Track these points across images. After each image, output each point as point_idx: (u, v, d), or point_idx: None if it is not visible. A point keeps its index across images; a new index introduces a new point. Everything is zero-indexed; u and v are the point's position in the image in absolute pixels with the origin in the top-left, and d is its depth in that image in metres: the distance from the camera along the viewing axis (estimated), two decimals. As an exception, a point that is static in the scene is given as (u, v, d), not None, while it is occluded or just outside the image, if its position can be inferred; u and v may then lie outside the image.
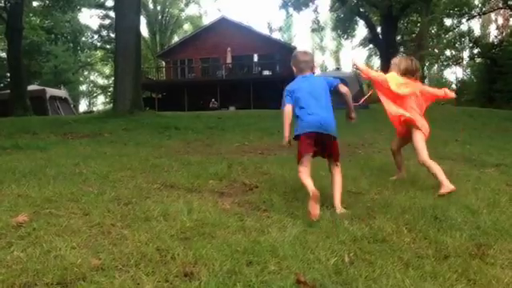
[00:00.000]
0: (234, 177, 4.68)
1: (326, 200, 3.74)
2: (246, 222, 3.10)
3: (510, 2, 31.24)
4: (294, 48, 31.46)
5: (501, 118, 14.74)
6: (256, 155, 6.40)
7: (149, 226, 2.97)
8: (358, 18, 31.17)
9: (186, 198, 3.76)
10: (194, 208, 3.37)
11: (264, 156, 6.32)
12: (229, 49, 27.78)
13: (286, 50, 30.29)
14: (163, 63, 34.79)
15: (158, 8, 48.64)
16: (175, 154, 6.45)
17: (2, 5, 21.05)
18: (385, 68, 29.95)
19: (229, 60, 28.67)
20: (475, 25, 41.11)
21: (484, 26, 42.83)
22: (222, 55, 28.79)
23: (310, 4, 28.97)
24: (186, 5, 49.96)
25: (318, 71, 35.43)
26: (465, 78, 40.43)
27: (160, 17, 48.50)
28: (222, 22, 30.53)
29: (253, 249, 2.55)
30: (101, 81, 59.99)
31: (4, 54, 31.63)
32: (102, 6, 39.75)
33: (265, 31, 43.62)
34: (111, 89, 40.15)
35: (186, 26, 53.49)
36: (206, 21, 44.30)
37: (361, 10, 29.68)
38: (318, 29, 36.44)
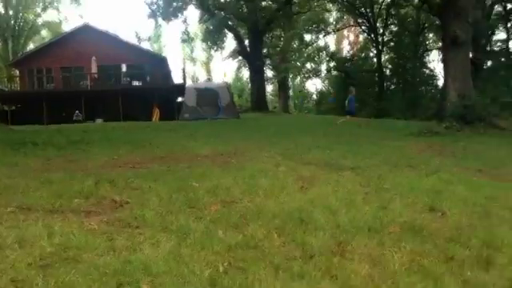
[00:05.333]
0: (101, 194, 4.39)
1: (202, 210, 3.74)
2: (116, 242, 2.93)
3: (359, 20, 35.25)
4: (165, 58, 31.06)
5: (354, 125, 16.46)
6: (126, 170, 6.11)
7: (1, 255, 2.62)
8: (227, 31, 32.13)
9: (46, 220, 3.41)
10: (56, 231, 3.08)
11: (135, 170, 6.07)
12: (94, 58, 26.15)
13: (157, 60, 29.74)
14: (17, 72, 31.33)
15: (11, 12, 43.71)
16: (33, 172, 5.82)
17: None
18: (254, 79, 31.25)
19: (94, 70, 26.97)
20: (331, 40, 45.40)
21: (338, 42, 47.60)
22: (86, 64, 26.97)
23: (179, 15, 29.01)
24: (44, 9, 45.79)
25: (190, 82, 35.46)
26: (323, 88, 44.33)
27: (13, 22, 43.62)
28: (86, 30, 28.65)
29: (124, 269, 2.42)
30: None
31: None
32: None
33: (133, 40, 42.19)
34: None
35: (44, 33, 49.02)
36: (67, 27, 41.24)
37: (229, 22, 30.67)
38: (188, 40, 36.60)
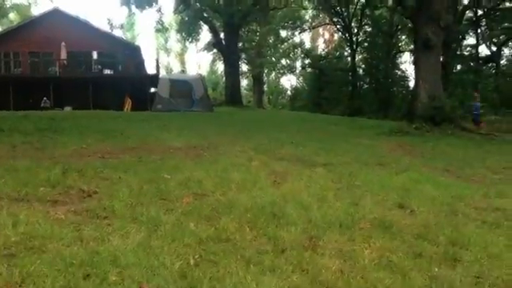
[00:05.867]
0: (69, 183, 4.26)
1: (173, 202, 3.69)
2: (84, 232, 2.85)
3: (334, 19, 35.58)
4: (138, 47, 30.47)
5: (327, 123, 16.64)
6: (96, 159, 5.96)
7: (-39, 245, 2.51)
8: (202, 23, 31.80)
9: (11, 209, 3.28)
10: (21, 220, 2.96)
11: (105, 160, 5.93)
12: (63, 43, 25.35)
13: (129, 49, 29.12)
14: (-18, 56, 30.09)
15: (-24, -6, 41.90)
16: (-3, 159, 5.60)
17: None
18: (229, 72, 31.09)
19: (63, 56, 26.16)
20: (306, 38, 45.64)
21: (313, 40, 47.94)
22: (56, 50, 26.15)
23: (154, 4, 28.45)
24: (12, -9, 44.13)
25: (164, 73, 34.90)
26: (298, 85, 44.58)
27: (-21, 4, 41.85)
28: (56, 14, 27.72)
29: (91, 260, 2.36)
30: None
31: None
32: None
33: (105, 28, 41.15)
34: None
35: (12, 16, 47.28)
36: (36, 11, 39.87)
37: (205, 14, 30.35)
38: (162, 30, 36.03)
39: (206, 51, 39.00)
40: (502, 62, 31.29)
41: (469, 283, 2.47)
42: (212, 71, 53.11)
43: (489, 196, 4.79)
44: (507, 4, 28.11)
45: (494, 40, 30.50)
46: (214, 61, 45.32)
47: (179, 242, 2.76)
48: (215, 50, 36.92)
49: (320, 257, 2.72)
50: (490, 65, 31.22)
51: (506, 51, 31.36)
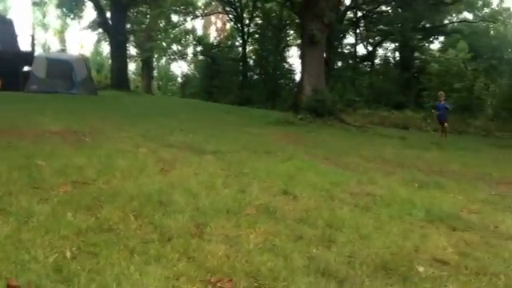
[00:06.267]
0: None
1: (48, 191, 3.38)
2: None
3: (227, 8, 35.74)
4: (10, 21, 27.24)
5: (218, 111, 16.76)
6: (-46, 143, 5.22)
7: None
8: (86, -1, 29.58)
9: None
10: None
11: (-34, 144, 5.22)
12: None
13: (0, 22, 25.91)
14: None
15: None
16: None
17: None
18: (116, 55, 29.36)
19: None
20: (199, 25, 45.11)
21: (206, 27, 47.63)
22: None
23: (30, -27, 25.68)
24: None
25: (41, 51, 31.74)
26: (189, 72, 44.04)
27: None
28: None
29: None
30: None
31: None
32: None
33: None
34: None
35: None
36: None
37: (89, -10, 28.26)
38: (39, 3, 32.70)
39: (90, 30, 36.34)
40: (376, 61, 34.51)
41: (342, 262, 2.68)
42: (97, 52, 49.72)
43: (362, 182, 5.25)
44: (383, 8, 31.06)
45: (370, 40, 33.49)
46: (99, 41, 42.42)
47: (54, 234, 2.54)
48: (100, 30, 34.60)
49: (206, 243, 2.72)
50: (365, 63, 34.22)
51: (380, 51, 34.67)
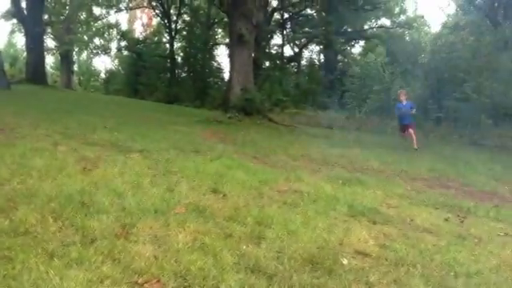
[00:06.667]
0: None
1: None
2: None
3: (153, 3, 34.80)
4: None
5: (144, 108, 16.28)
6: None
7: None
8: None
9: None
10: None
11: None
12: None
13: None
14: None
15: None
16: None
17: None
18: (32, 47, 27.42)
19: None
20: (123, 19, 43.42)
21: (130, 22, 45.97)
22: None
23: None
24: None
25: None
26: (113, 68, 42.25)
27: None
28: None
29: None
30: None
31: None
32: None
33: None
34: None
35: None
36: None
37: (2, -23, 26.06)
38: None
39: (3, 20, 33.56)
40: (302, 62, 35.60)
41: (271, 257, 2.72)
42: (10, 44, 46.06)
43: (289, 180, 5.38)
44: (308, 11, 32.08)
45: (296, 42, 34.44)
46: (12, 32, 39.30)
47: (-41, 240, 2.32)
48: (15, 21, 32.07)
49: (133, 244, 2.63)
50: (292, 64, 35.14)
51: (306, 53, 35.81)
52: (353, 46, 33.92)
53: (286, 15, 32.81)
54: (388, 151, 10.35)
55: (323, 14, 30.49)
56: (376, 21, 33.32)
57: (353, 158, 8.57)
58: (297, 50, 34.76)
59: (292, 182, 5.25)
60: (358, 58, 29.71)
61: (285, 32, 33.65)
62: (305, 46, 34.46)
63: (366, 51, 28.68)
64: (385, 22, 33.21)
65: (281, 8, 31.17)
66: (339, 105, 23.88)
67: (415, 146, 10.82)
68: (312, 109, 24.20)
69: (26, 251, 2.28)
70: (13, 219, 2.72)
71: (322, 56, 34.77)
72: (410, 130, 11.08)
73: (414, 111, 11.39)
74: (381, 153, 9.81)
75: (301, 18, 32.61)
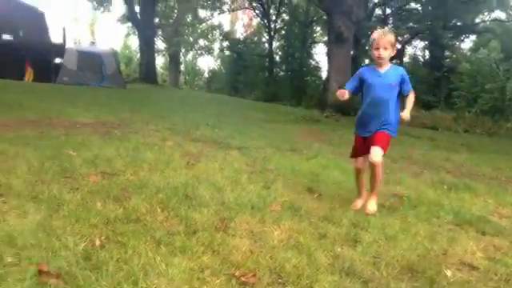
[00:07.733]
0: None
1: (78, 181, 3.47)
2: (-26, 211, 2.58)
3: (254, 4, 35.74)
4: (42, 13, 27.92)
5: (243, 106, 16.80)
6: (-10, 132, 5.41)
7: None
8: (117, -7, 30.12)
9: None
10: None
11: (0, 134, 5.40)
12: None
13: (32, 13, 26.49)
14: None
15: None
16: None
17: None
18: (144, 48, 29.69)
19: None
20: (225, 20, 45.31)
21: (232, 23, 47.74)
22: None
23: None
24: None
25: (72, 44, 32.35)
26: (215, 67, 44.30)
27: None
28: None
29: (-18, 242, 2.14)
30: None
31: None
32: None
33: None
34: None
35: None
36: None
37: (119, -16, 28.71)
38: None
39: (119, 23, 37.01)
40: (405, 59, 33.85)
41: (367, 262, 2.65)
42: (125, 46, 50.56)
43: (388, 182, 5.18)
44: (412, 5, 30.43)
45: (399, 38, 32.87)
46: (127, 35, 43.16)
47: (84, 223, 2.61)
48: (130, 24, 35.17)
49: (231, 238, 2.74)
50: (394, 61, 33.58)
51: (409, 49, 34.03)
52: (462, 40, 31.43)
53: (388, 10, 31.47)
54: (502, 156, 9.45)
55: (429, 8, 28.68)
56: (489, 13, 30.46)
57: (460, 162, 7.97)
58: (399, 46, 33.14)
59: (390, 185, 5.05)
60: (468, 53, 27.45)
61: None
62: (408, 41, 32.75)
63: (477, 46, 26.41)
64: (499, 14, 30.22)
65: (383, 3, 29.97)
66: (446, 104, 22.34)
67: None
68: (415, 108, 22.94)
69: (137, 238, 2.50)
70: (126, 207, 2.99)
71: (426, 52, 32.76)
72: None
73: None
74: (493, 158, 8.98)
75: (404, 13, 31.02)
